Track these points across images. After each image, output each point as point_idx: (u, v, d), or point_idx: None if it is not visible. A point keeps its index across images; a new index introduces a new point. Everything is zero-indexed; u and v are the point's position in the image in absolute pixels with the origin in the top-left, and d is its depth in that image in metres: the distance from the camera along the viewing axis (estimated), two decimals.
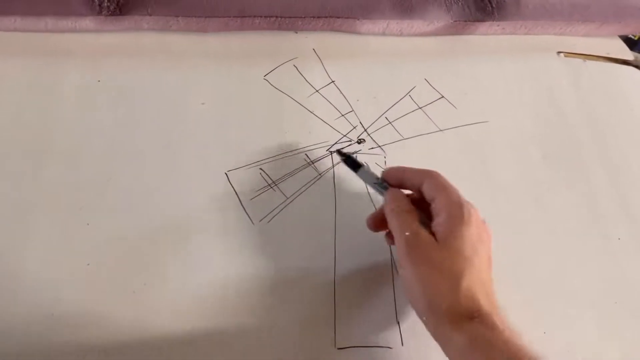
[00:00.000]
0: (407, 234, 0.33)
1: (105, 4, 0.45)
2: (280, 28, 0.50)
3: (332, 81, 0.49)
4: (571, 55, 0.55)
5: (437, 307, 0.31)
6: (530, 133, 0.48)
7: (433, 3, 0.51)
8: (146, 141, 0.43)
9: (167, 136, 0.43)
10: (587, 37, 0.56)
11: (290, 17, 0.49)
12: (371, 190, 0.43)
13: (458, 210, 0.33)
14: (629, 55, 0.56)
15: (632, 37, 0.59)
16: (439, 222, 0.33)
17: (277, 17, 0.49)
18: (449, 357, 0.32)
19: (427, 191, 0.35)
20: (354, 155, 0.42)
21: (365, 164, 0.40)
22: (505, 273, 0.41)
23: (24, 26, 0.45)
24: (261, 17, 0.48)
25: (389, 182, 0.38)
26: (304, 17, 0.49)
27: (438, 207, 0.34)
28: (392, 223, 0.35)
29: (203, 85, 0.46)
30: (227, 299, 0.38)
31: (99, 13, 0.45)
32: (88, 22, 0.45)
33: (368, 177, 0.39)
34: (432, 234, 0.33)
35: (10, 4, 0.43)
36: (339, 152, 0.41)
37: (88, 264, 0.37)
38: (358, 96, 0.48)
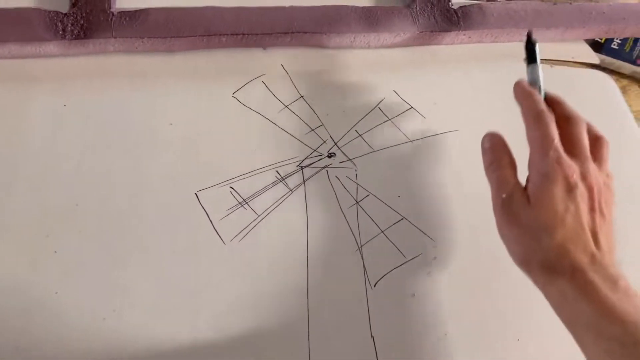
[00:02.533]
0: (503, 196, 0.35)
1: (69, 28, 0.45)
2: (247, 45, 0.50)
3: (301, 96, 0.49)
4: None
5: (529, 263, 0.33)
6: None
7: (399, 15, 0.52)
8: (114, 164, 0.42)
9: (135, 158, 0.43)
10: (552, 42, 0.57)
11: (257, 34, 0.49)
12: (343, 205, 0.43)
13: (544, 167, 0.34)
14: (594, 58, 0.57)
15: (599, 40, 0.60)
16: (530, 178, 0.35)
17: (243, 34, 0.49)
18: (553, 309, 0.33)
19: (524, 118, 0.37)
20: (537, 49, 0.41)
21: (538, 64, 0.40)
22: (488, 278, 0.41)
23: None
24: (228, 34, 0.48)
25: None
26: (271, 34, 0.49)
27: (530, 161, 0.35)
28: (490, 176, 0.37)
29: (171, 106, 0.46)
30: (199, 320, 0.37)
31: (63, 37, 0.45)
32: (52, 46, 0.45)
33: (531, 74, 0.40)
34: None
35: None
36: (529, 34, 0.41)
37: (56, 292, 0.37)
38: (327, 110, 0.49)
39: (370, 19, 0.51)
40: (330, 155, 0.46)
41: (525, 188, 0.35)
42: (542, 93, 0.39)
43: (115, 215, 0.40)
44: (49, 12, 0.45)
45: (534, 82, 0.40)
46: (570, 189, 0.33)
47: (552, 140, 0.35)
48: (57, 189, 0.41)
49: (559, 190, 0.33)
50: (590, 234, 0.33)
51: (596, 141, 0.37)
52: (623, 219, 0.46)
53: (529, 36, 0.42)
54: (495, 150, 0.37)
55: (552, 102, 0.38)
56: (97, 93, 0.45)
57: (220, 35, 0.48)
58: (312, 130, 0.47)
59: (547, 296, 0.33)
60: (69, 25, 0.45)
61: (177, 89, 0.47)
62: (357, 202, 0.44)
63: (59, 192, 0.41)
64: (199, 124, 0.46)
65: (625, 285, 0.31)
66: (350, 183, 0.45)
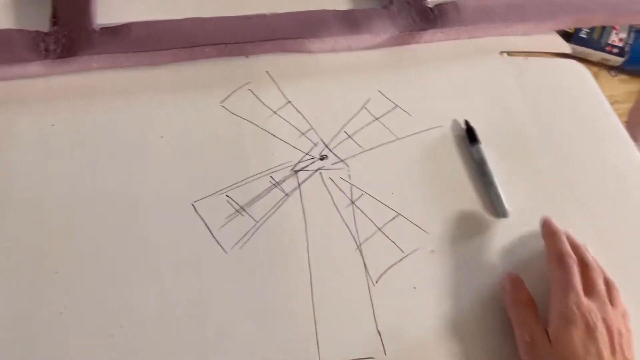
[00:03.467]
0: (527, 339, 0.37)
1: (52, 47, 0.45)
2: (230, 54, 0.50)
3: (289, 101, 0.49)
4: (513, 54, 0.57)
5: None
6: (484, 134, 0.50)
7: (378, 16, 0.53)
8: (107, 181, 0.42)
9: (129, 173, 0.43)
10: (526, 35, 0.59)
11: (239, 43, 0.49)
12: (340, 206, 0.44)
13: (565, 310, 0.36)
14: (567, 48, 0.59)
15: (568, 30, 0.62)
16: (551, 319, 0.37)
17: (226, 43, 0.49)
18: None
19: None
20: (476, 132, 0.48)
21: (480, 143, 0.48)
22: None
23: None
24: (210, 45, 0.48)
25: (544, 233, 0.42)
26: (253, 42, 0.50)
27: (552, 300, 0.37)
28: (513, 317, 0.39)
29: (159, 119, 0.46)
30: (206, 331, 0.37)
31: (46, 57, 0.44)
32: (36, 67, 0.44)
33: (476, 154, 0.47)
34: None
35: None
36: (466, 121, 0.49)
37: (61, 313, 0.36)
38: (316, 114, 0.49)
39: (350, 22, 0.52)
40: (322, 158, 0.47)
41: (547, 328, 0.37)
42: (488, 165, 0.46)
43: (113, 231, 0.40)
44: (30, 32, 0.45)
45: (480, 159, 0.47)
46: (590, 330, 0.35)
47: (574, 284, 0.37)
48: (52, 209, 0.40)
49: (579, 332, 0.35)
50: None
51: (608, 285, 0.40)
52: (604, 200, 0.48)
53: (466, 123, 0.49)
54: (517, 291, 0.40)
55: (572, 246, 0.41)
56: (85, 111, 0.45)
57: (202, 45, 0.48)
58: (303, 134, 0.48)
59: None
60: (52, 44, 0.45)
61: (164, 101, 0.47)
62: (352, 202, 0.45)
63: (54, 213, 0.40)
64: (189, 135, 0.46)
65: None
66: (344, 183, 0.46)
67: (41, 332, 0.36)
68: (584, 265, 0.39)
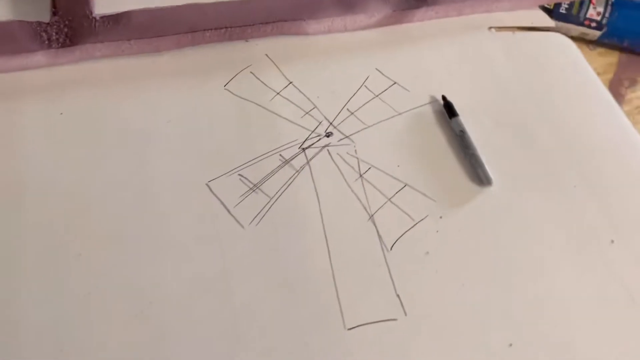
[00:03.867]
0: None
1: (54, 37, 0.45)
2: (230, 38, 0.51)
3: (290, 82, 0.51)
4: (501, 29, 0.59)
5: None
6: (480, 105, 0.52)
7: None
8: (120, 165, 0.43)
9: (140, 157, 0.44)
10: (512, 11, 0.61)
11: (239, 27, 0.50)
12: (349, 179, 0.45)
13: None
14: (550, 22, 0.62)
15: (548, 6, 0.65)
16: None
17: (226, 27, 0.50)
18: None
19: None
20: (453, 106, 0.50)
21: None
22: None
23: None
24: (211, 29, 0.49)
25: None
26: (253, 25, 0.51)
27: None
28: None
29: (166, 104, 0.47)
30: (233, 303, 0.38)
31: (49, 46, 0.45)
32: (39, 57, 0.45)
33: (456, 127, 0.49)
34: None
35: None
36: (443, 97, 0.51)
37: (89, 293, 0.37)
38: (317, 93, 0.50)
39: (345, 3, 0.53)
40: (328, 135, 0.48)
41: None
42: (467, 137, 0.48)
43: (131, 214, 0.41)
44: (31, 22, 0.45)
45: (461, 130, 0.49)
46: None
47: None
48: (67, 195, 0.41)
49: None
50: None
51: None
52: (597, 164, 0.50)
53: (444, 98, 0.51)
54: None
55: None
56: (92, 99, 0.45)
57: (204, 30, 0.49)
58: (307, 113, 0.49)
59: None
60: (54, 34, 0.45)
61: (169, 87, 0.48)
62: (361, 176, 0.46)
63: (69, 198, 0.41)
64: (196, 119, 0.47)
65: None
66: (351, 158, 0.47)
67: (71, 313, 0.36)
68: None
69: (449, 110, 0.50)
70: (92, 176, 0.42)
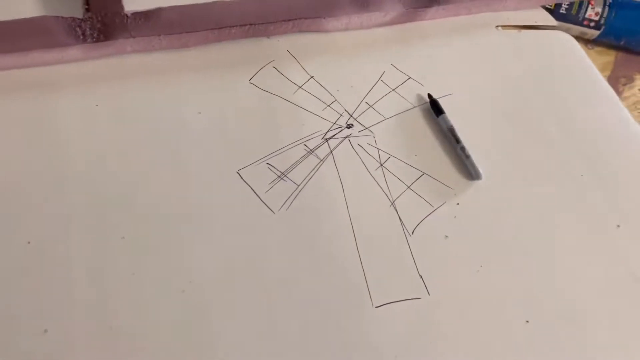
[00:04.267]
0: None
1: (88, 32, 0.47)
2: (254, 35, 0.53)
3: (311, 77, 0.53)
4: (507, 27, 0.62)
5: None
6: (489, 99, 0.55)
7: None
8: (155, 155, 0.45)
9: (173, 148, 0.46)
10: (517, 10, 0.64)
11: (262, 24, 0.52)
12: (370, 168, 0.48)
13: None
14: (553, 21, 0.65)
15: (549, 6, 0.68)
16: None
17: (250, 24, 0.52)
18: None
19: None
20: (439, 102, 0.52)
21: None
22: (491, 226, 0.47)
23: (12, 63, 0.45)
24: (236, 26, 0.51)
25: None
26: (274, 22, 0.53)
27: None
28: None
29: (195, 97, 0.49)
30: (267, 282, 0.41)
31: (84, 41, 0.46)
32: (74, 51, 0.46)
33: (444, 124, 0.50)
34: None
35: None
36: (429, 95, 0.53)
37: (133, 273, 0.39)
38: (337, 87, 0.53)
39: (361, 1, 0.56)
40: (349, 126, 0.51)
41: None
42: (456, 133, 0.50)
43: (169, 200, 0.43)
44: (67, 18, 0.47)
45: (449, 127, 0.50)
46: None
47: None
48: (105, 183, 0.43)
49: None
50: None
51: None
52: (605, 167, 0.53)
53: (430, 96, 0.53)
54: None
55: None
56: (125, 91, 0.47)
57: (229, 27, 0.51)
58: (328, 106, 0.51)
59: None
60: (87, 29, 0.47)
61: (197, 80, 0.50)
62: (381, 165, 0.49)
63: (107, 186, 0.43)
64: (225, 111, 0.49)
65: None
66: (371, 149, 0.50)
67: (117, 291, 0.38)
68: None
69: (435, 108, 0.52)
70: (128, 165, 0.44)
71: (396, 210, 0.46)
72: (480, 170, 0.49)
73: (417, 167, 0.49)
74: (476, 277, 0.44)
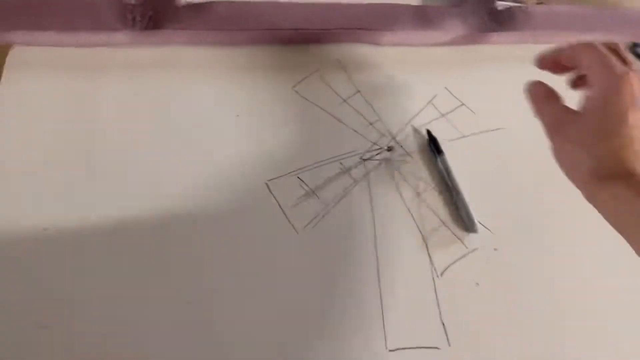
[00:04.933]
0: (547, 119, 0.37)
1: (138, 19, 0.46)
2: (305, 40, 0.51)
3: (358, 91, 0.50)
4: None
5: (580, 172, 0.34)
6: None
7: (450, 14, 0.54)
8: (188, 152, 0.43)
9: (206, 146, 0.44)
10: None
11: (315, 30, 0.50)
12: (405, 197, 0.45)
13: (609, 81, 0.33)
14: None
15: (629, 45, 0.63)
16: (589, 96, 0.34)
17: (303, 29, 0.50)
18: (602, 216, 0.34)
19: (584, 66, 0.36)
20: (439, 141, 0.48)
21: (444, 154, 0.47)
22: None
23: (61, 41, 0.45)
24: (288, 29, 0.49)
25: (542, 66, 0.41)
26: (329, 30, 0.50)
27: (590, 82, 0.35)
28: (536, 108, 0.39)
29: (236, 98, 0.47)
30: (278, 304, 0.38)
31: (133, 27, 0.45)
32: (122, 36, 0.46)
33: (442, 164, 0.46)
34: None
35: (47, 20, 0.43)
36: (428, 131, 0.48)
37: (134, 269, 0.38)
38: (383, 105, 0.50)
39: (423, 18, 0.53)
40: (389, 149, 0.48)
41: (577, 109, 0.35)
42: (454, 178, 0.46)
43: (192, 200, 0.41)
44: (119, 2, 0.46)
45: (448, 170, 0.46)
46: (636, 98, 0.33)
47: (611, 58, 0.34)
48: (131, 171, 0.42)
49: (624, 101, 0.32)
50: None
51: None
52: None
53: (429, 133, 0.48)
54: (536, 84, 0.40)
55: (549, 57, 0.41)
56: (166, 83, 0.46)
57: (281, 30, 0.49)
58: (371, 124, 0.49)
59: (599, 204, 0.34)
60: (138, 16, 0.46)
61: (240, 81, 0.48)
62: (418, 194, 0.46)
63: (134, 175, 0.41)
64: (263, 116, 0.47)
65: None
66: (410, 176, 0.47)
67: (128, 296, 0.37)
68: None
69: (434, 146, 0.48)
70: (157, 158, 0.43)
71: (427, 247, 0.43)
72: (477, 223, 0.44)
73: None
74: (504, 332, 0.40)
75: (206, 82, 0.47)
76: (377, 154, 0.47)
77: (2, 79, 0.44)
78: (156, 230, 0.40)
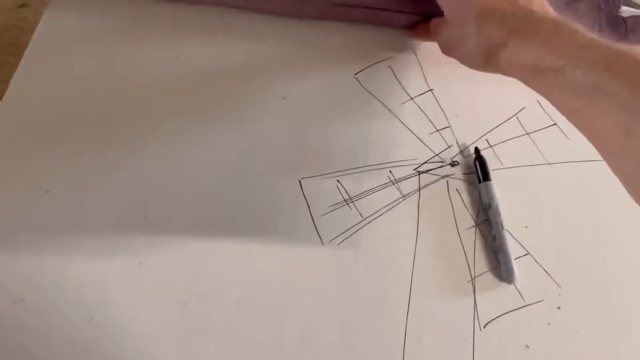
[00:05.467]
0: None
1: None
2: (379, 22, 0.44)
3: (431, 89, 0.43)
4: None
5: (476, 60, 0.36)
6: None
7: (559, 14, 0.44)
8: (225, 130, 0.39)
9: (244, 129, 0.39)
10: None
11: (392, 12, 0.43)
12: (460, 225, 0.38)
13: None
14: None
15: None
16: None
17: (380, 9, 0.43)
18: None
19: None
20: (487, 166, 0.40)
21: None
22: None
23: None
24: (363, 7, 0.43)
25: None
26: (410, 13, 0.43)
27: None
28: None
29: (286, 77, 0.42)
30: (286, 322, 0.33)
31: None
32: None
33: (486, 195, 0.38)
34: None
35: None
36: (477, 149, 0.40)
37: (140, 263, 0.34)
38: (457, 111, 0.42)
39: None
40: (453, 164, 0.40)
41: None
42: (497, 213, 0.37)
43: (217, 185, 0.37)
44: None
45: (491, 197, 0.38)
46: None
47: None
48: (165, 136, 0.38)
49: None
50: None
51: None
52: None
53: (477, 151, 0.40)
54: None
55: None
56: (212, 50, 0.42)
57: (352, 6, 0.43)
58: (437, 130, 0.42)
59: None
60: None
61: (297, 59, 0.42)
62: (476, 225, 0.38)
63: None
64: (313, 102, 0.41)
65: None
66: (471, 200, 0.39)
67: (114, 280, 0.33)
68: None
69: (482, 169, 0.39)
70: (195, 130, 0.38)
71: (474, 290, 0.36)
72: (516, 273, 0.36)
73: (523, 242, 0.38)
74: None
75: (256, 54, 0.42)
76: (437, 168, 0.40)
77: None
78: (174, 206, 0.36)
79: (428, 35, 0.42)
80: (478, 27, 0.34)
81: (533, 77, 0.32)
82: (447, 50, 0.39)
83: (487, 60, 0.35)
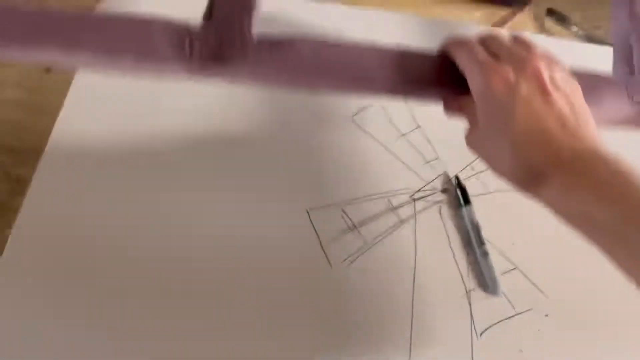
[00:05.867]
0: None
1: (198, 48, 0.35)
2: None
3: (419, 126, 0.48)
4: None
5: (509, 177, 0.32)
6: None
7: (613, 88, 0.37)
8: (233, 171, 0.44)
9: (255, 161, 0.44)
10: None
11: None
12: (454, 245, 0.42)
13: (480, 81, 0.30)
14: None
15: None
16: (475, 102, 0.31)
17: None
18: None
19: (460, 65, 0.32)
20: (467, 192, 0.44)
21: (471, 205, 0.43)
22: None
23: (98, 64, 0.35)
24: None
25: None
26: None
27: (470, 86, 0.31)
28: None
29: (293, 119, 0.47)
30: (296, 341, 0.37)
31: (190, 57, 0.36)
32: (176, 66, 0.37)
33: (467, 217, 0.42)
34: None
35: (84, 37, 0.33)
36: (457, 177, 0.45)
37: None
38: (445, 143, 0.48)
39: None
40: (444, 191, 0.45)
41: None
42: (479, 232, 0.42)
43: (230, 215, 0.41)
44: (178, 26, 0.36)
45: (472, 223, 0.43)
46: (510, 86, 0.29)
47: (477, 54, 0.31)
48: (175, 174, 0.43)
49: (499, 93, 0.29)
50: (556, 118, 0.28)
51: (516, 40, 0.32)
52: None
53: (457, 179, 0.45)
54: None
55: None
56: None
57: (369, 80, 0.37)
58: (427, 162, 0.46)
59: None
60: (198, 44, 0.36)
61: (300, 104, 0.47)
62: (466, 244, 0.42)
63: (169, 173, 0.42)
64: (318, 141, 0.46)
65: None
66: (462, 223, 0.43)
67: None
68: (488, 41, 0.32)
69: (463, 194, 0.44)
70: (201, 166, 0.43)
71: (469, 303, 0.40)
72: (500, 285, 0.40)
73: (512, 258, 0.42)
74: None
75: (266, 102, 0.47)
76: (429, 195, 0.45)
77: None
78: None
79: (460, 110, 0.36)
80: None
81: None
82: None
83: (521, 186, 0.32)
